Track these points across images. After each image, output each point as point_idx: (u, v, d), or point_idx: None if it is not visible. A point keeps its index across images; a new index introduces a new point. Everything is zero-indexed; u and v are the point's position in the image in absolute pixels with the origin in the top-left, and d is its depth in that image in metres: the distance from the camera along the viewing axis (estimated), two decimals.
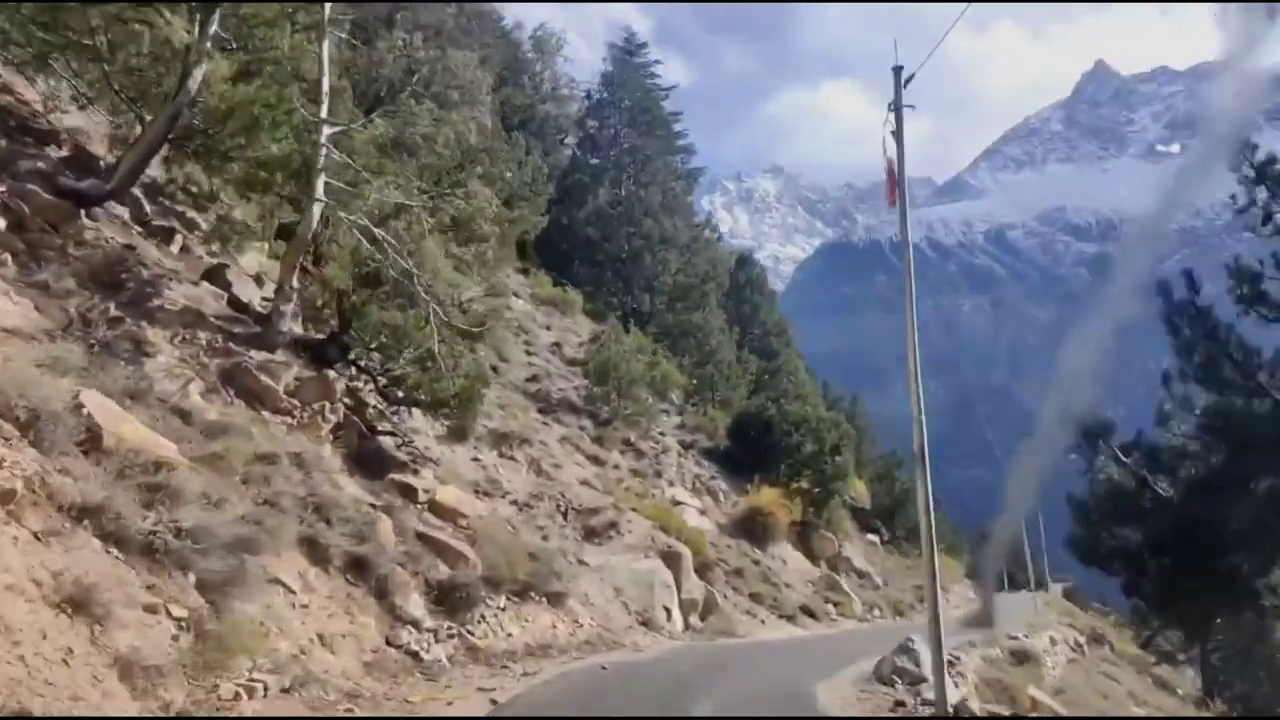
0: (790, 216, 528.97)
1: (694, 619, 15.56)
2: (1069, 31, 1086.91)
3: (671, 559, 15.53)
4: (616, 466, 20.25)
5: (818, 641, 15.92)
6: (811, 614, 19.48)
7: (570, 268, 35.88)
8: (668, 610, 14.61)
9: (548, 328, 28.93)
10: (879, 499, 35.49)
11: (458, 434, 15.30)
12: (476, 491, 14.42)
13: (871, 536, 31.44)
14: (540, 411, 21.15)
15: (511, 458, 16.42)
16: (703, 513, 21.33)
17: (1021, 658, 14.07)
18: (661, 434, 24.60)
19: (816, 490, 24.05)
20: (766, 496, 22.34)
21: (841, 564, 24.45)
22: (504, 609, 10.92)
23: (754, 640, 15.53)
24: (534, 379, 23.37)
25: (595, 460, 19.64)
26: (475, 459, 15.60)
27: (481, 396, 14.00)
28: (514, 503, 15.04)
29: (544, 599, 11.84)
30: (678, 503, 20.46)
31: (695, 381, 29.60)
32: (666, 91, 43.81)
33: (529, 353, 25.33)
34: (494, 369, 22.36)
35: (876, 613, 23.06)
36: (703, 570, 16.87)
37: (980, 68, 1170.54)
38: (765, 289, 45.53)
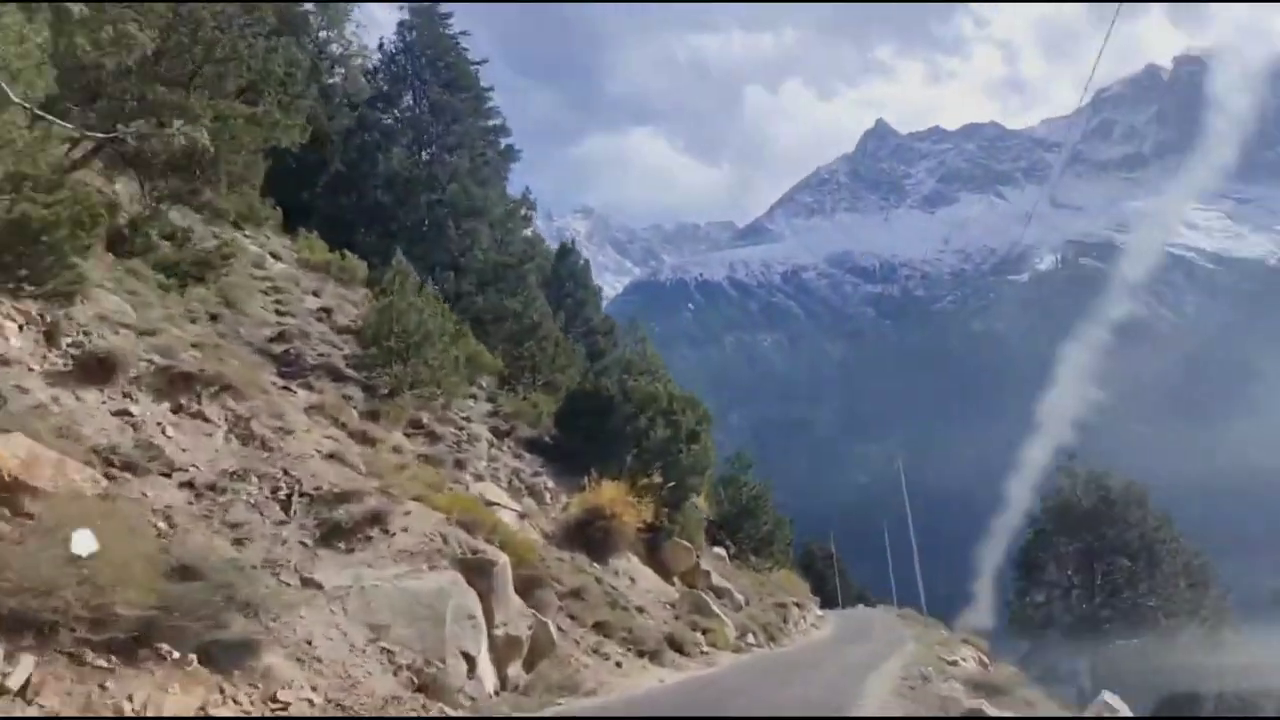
0: (600, 255, 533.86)
1: (515, 669, 9.46)
2: (852, 92, 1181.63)
3: (478, 571, 9.31)
4: (398, 450, 13.75)
5: (716, 697, 10.19)
6: (679, 647, 13.82)
7: (354, 235, 28.92)
8: (469, 659, 8.43)
9: (315, 293, 22.00)
10: (723, 507, 30.65)
11: (91, 370, 8.57)
12: (108, 460, 7.76)
13: (719, 550, 26.36)
14: (283, 376, 14.34)
15: (199, 415, 9.67)
16: (523, 517, 15.18)
17: None
18: (467, 419, 18.27)
19: (670, 486, 18.46)
20: (608, 494, 16.53)
21: (701, 580, 19.05)
22: (75, 678, 4.46)
23: (617, 699, 9.61)
24: (281, 337, 16.45)
25: (364, 438, 13.07)
26: (123, 412, 8.82)
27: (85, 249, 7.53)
28: (189, 484, 8.39)
29: (200, 656, 5.47)
30: (490, 503, 14.27)
31: (512, 362, 23.46)
32: (477, 65, 37.55)
33: (280, 312, 18.38)
34: (213, 317, 15.32)
35: (751, 639, 17.72)
36: (529, 589, 10.78)
37: (774, 121, 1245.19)
38: (590, 283, 40.18)
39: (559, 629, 10.84)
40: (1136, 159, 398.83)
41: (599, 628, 12.13)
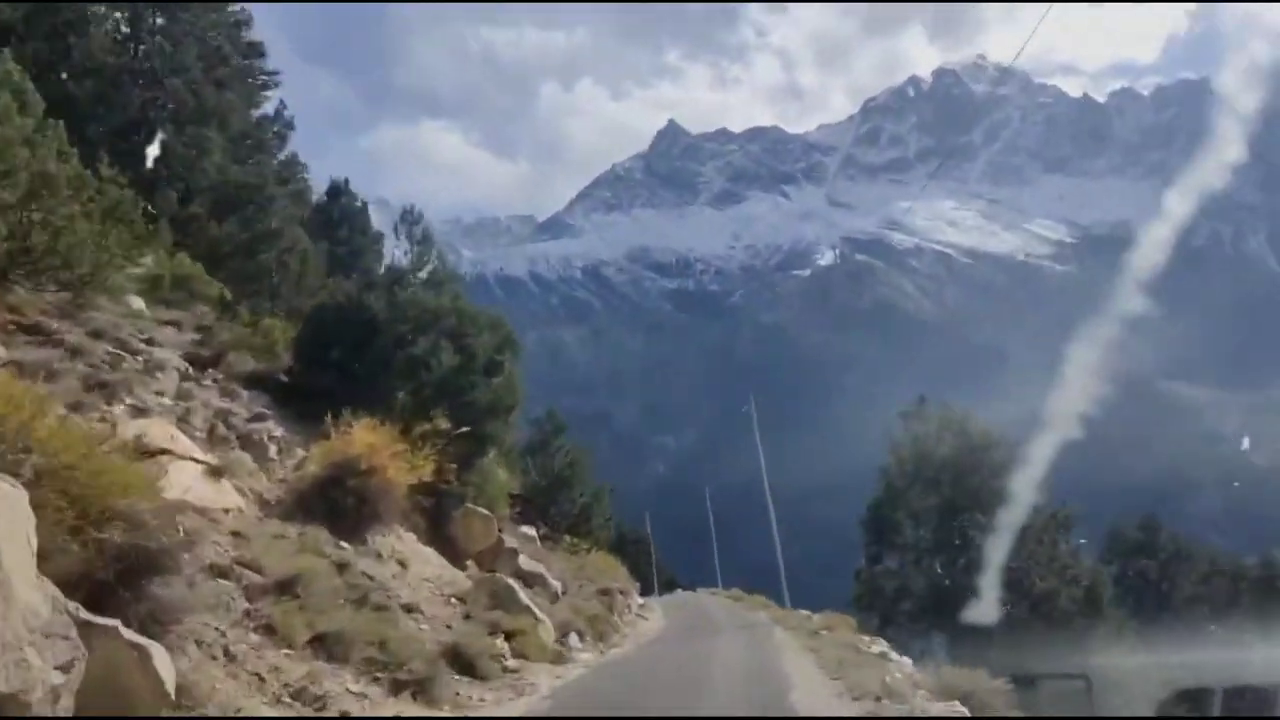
0: (396, 250, 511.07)
1: None
2: (643, 92, 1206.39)
3: None
4: None
5: None
6: (468, 666, 8.72)
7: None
8: None
9: None
10: (531, 479, 25.74)
11: None
12: None
13: (527, 529, 21.25)
14: None
15: None
16: (220, 473, 9.48)
17: None
18: (148, 340, 12.10)
19: (461, 434, 13.09)
20: (365, 442, 11.07)
21: (505, 563, 13.99)
22: None
23: None
24: None
25: None
26: None
27: None
28: None
29: None
30: (159, 452, 8.54)
31: (240, 285, 17.15)
32: None
33: None
34: None
35: (575, 641, 12.73)
36: (136, 579, 5.26)
37: (570, 118, 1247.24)
38: (369, 230, 33.52)
39: (225, 653, 5.47)
40: (902, 162, 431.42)
41: (320, 644, 6.84)
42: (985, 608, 19.42)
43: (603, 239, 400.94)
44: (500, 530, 14.97)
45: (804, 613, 23.45)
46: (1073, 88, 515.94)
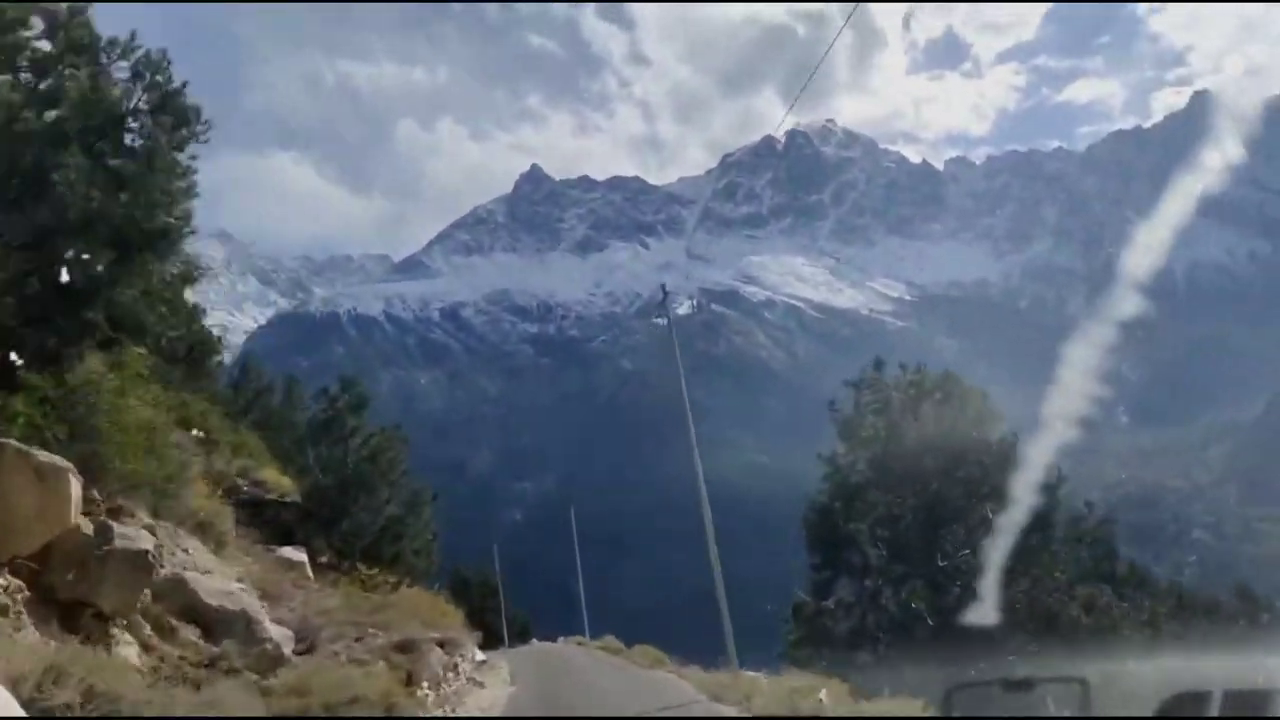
0: (241, 284, 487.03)
1: None
2: (505, 135, 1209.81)
3: None
4: None
5: None
6: None
7: None
8: None
9: None
10: (314, 478, 21.21)
11: None
12: None
13: (293, 550, 17.78)
14: None
15: None
16: None
17: None
18: None
19: None
20: None
21: (125, 583, 8.11)
22: None
23: None
24: None
25: None
26: None
27: None
28: None
29: None
30: None
31: None
32: None
33: None
34: None
35: None
36: None
37: (428, 157, 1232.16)
38: None
39: None
40: (757, 218, 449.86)
41: None
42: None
43: (462, 281, 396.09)
44: (76, 493, 8.40)
45: (748, 674, 17.23)
46: (913, 154, 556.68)
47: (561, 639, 45.58)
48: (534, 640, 50.30)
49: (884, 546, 22.07)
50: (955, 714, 4.70)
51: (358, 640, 12.24)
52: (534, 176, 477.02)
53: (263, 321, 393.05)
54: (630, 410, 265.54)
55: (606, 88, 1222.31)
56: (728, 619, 17.46)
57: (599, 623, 50.33)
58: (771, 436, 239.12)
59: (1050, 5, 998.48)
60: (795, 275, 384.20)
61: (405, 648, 12.54)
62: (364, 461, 21.38)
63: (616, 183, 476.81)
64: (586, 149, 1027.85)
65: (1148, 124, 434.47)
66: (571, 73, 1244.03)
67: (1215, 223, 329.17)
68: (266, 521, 17.93)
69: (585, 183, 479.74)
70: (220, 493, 15.43)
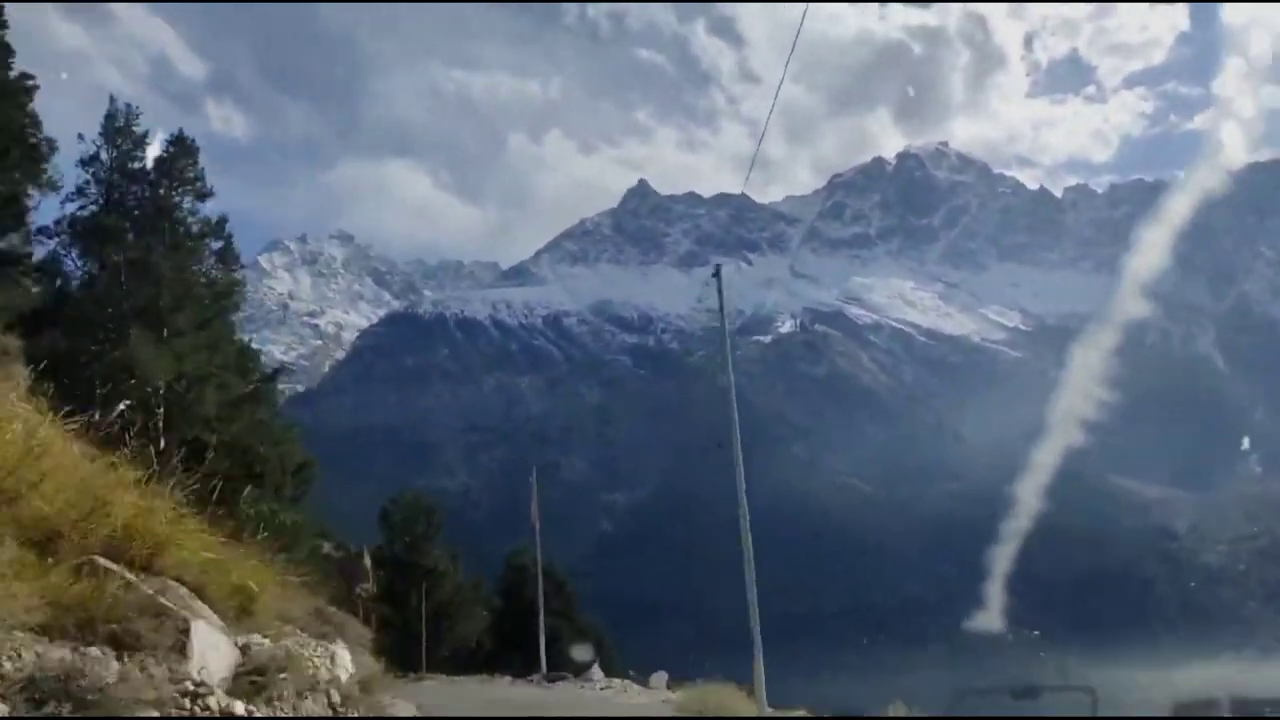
0: (357, 284, 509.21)
1: None
2: (612, 149, 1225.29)
3: None
4: None
5: None
6: None
7: None
8: None
9: None
10: None
11: None
12: None
13: None
14: None
15: None
16: None
17: None
18: None
19: None
20: None
21: None
22: None
23: None
24: None
25: None
26: None
27: None
28: None
29: None
30: None
31: None
32: None
33: None
34: None
35: None
36: None
37: (537, 169, 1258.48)
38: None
39: None
40: (864, 239, 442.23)
41: None
42: None
43: (566, 290, 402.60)
44: None
45: None
46: (1029, 179, 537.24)
47: (656, 677, 27.61)
48: (592, 671, 30.81)
49: None
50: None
51: None
52: (641, 190, 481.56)
53: (374, 320, 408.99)
54: (727, 425, 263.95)
55: (714, 104, 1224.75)
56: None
57: (703, 652, 42.99)
58: (869, 462, 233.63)
59: (1185, 27, 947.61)
60: (903, 298, 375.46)
61: None
62: None
63: (721, 199, 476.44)
64: (690, 164, 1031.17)
65: None
66: (679, 88, 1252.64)
67: None
68: None
69: (691, 198, 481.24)
70: None
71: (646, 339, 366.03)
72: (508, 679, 30.64)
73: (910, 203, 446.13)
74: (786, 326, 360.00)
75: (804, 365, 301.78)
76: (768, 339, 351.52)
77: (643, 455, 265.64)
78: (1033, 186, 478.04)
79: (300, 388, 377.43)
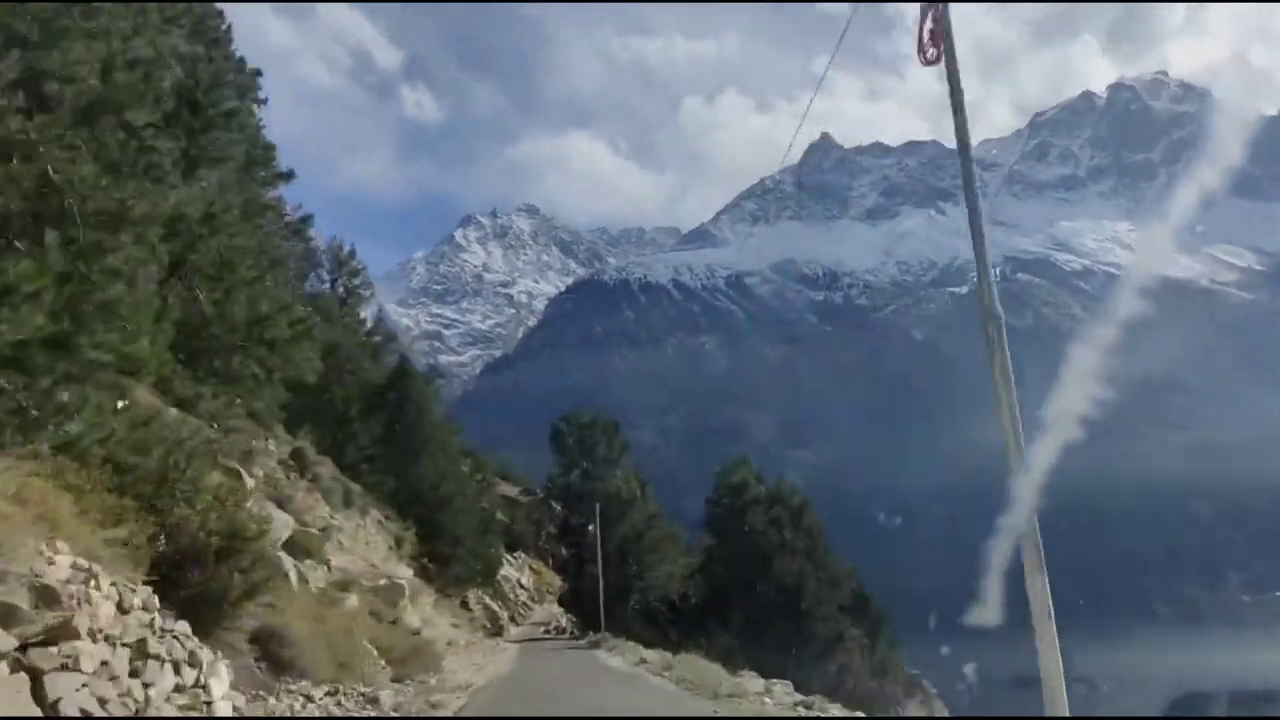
0: (545, 254, 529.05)
1: None
2: (792, 106, 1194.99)
3: None
4: None
5: None
6: None
7: None
8: None
9: None
10: None
11: None
12: None
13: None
14: None
15: None
16: None
17: None
18: None
19: None
20: None
21: None
22: None
23: None
24: None
25: None
26: None
27: None
28: None
29: None
30: None
31: None
32: None
33: None
34: None
35: None
36: None
37: (712, 132, 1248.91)
38: (430, 410, 37.62)
39: None
40: (1072, 180, 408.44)
41: None
42: None
43: (748, 250, 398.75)
44: None
45: None
46: (1267, 105, 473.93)
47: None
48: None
49: None
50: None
51: None
52: (823, 145, 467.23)
53: (562, 288, 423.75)
54: (920, 381, 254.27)
55: (899, 47, 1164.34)
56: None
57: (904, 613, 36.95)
58: (1085, 419, 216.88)
59: None
60: (1117, 241, 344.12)
61: None
62: None
63: (911, 148, 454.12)
64: (877, 114, 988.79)
65: None
66: (863, 33, 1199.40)
67: None
68: None
69: (877, 149, 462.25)
70: None
71: (833, 295, 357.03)
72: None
73: (1125, 138, 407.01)
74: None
75: (1008, 315, 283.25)
76: (963, 290, 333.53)
77: (831, 413, 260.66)
78: (1270, 112, 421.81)
79: (497, 353, 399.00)
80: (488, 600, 42.31)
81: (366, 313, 40.74)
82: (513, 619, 48.02)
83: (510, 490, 71.36)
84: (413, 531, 29.69)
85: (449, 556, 34.20)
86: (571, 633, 39.08)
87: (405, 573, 24.26)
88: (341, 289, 36.49)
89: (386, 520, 29.05)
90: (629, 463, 40.39)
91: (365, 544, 23.60)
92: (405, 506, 31.98)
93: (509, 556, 59.27)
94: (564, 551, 43.34)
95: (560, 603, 45.06)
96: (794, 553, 29.19)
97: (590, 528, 35.42)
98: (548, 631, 42.56)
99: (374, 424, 34.22)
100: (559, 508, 41.54)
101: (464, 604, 37.37)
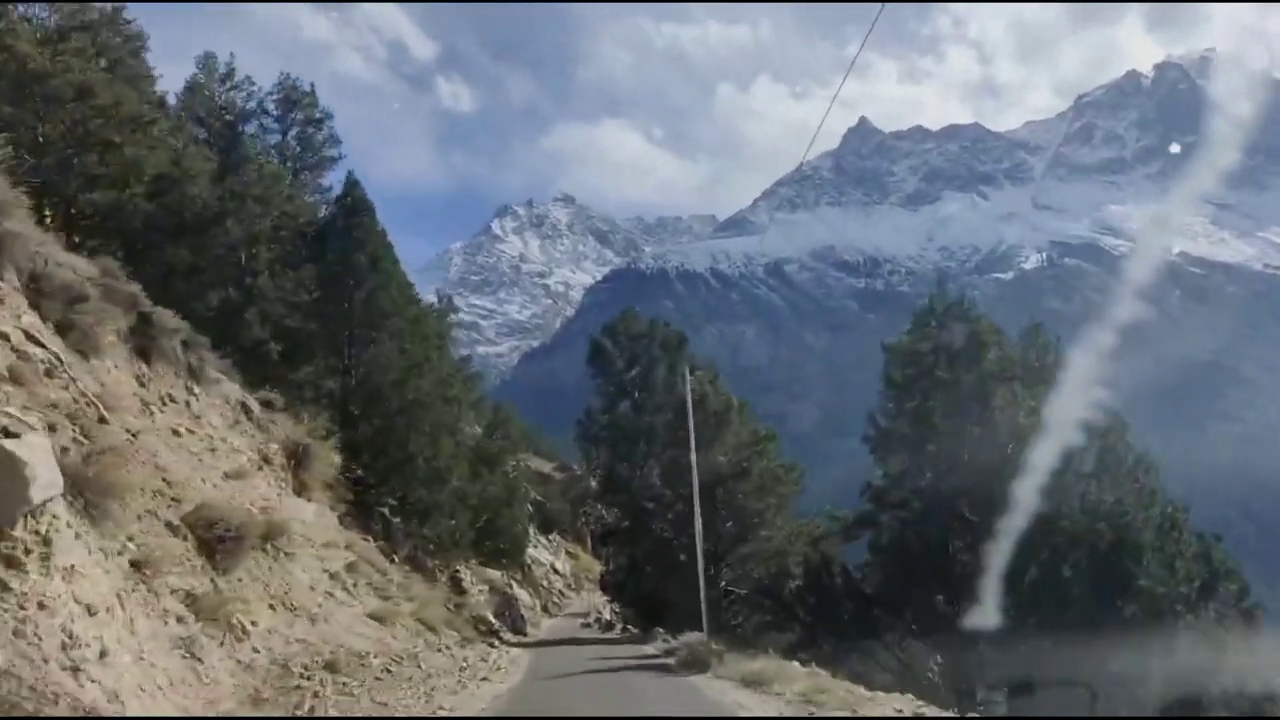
0: (581, 244, 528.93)
1: None
2: (827, 90, 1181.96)
3: None
4: None
5: None
6: None
7: None
8: None
9: None
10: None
11: None
12: None
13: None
14: None
15: None
16: None
17: None
18: None
19: None
20: None
21: None
22: None
23: None
24: None
25: None
26: None
27: None
28: None
29: None
30: None
31: None
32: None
33: None
34: None
35: None
36: None
37: (746, 119, 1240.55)
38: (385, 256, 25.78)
39: None
40: (1118, 163, 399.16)
41: None
42: None
43: (786, 237, 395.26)
44: None
45: None
46: None
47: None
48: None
49: None
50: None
51: None
52: (862, 130, 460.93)
53: (599, 278, 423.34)
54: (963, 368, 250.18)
55: (938, 29, 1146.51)
56: None
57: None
58: (1129, 402, 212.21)
59: None
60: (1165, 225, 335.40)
61: None
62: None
63: (952, 131, 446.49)
64: (916, 97, 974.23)
65: None
66: (900, 16, 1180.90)
67: None
68: None
69: (917, 133, 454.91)
70: None
71: (874, 282, 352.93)
72: None
73: (1173, 119, 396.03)
74: (1031, 262, 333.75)
75: (1053, 301, 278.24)
76: (1008, 275, 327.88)
77: (875, 401, 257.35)
78: None
79: (535, 343, 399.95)
80: (513, 585, 37.68)
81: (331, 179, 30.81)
82: (545, 609, 43.70)
83: (544, 466, 66.17)
84: (335, 438, 19.36)
85: (426, 505, 24.63)
86: (624, 627, 30.96)
87: (304, 510, 15.67)
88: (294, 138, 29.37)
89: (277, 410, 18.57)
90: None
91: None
92: (347, 414, 23.17)
93: (544, 539, 54.18)
94: (607, 517, 33.49)
95: (603, 588, 35.57)
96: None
97: (644, 469, 24.98)
98: (586, 624, 36.24)
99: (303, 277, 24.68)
100: (598, 456, 30.16)
101: (456, 583, 28.69)
